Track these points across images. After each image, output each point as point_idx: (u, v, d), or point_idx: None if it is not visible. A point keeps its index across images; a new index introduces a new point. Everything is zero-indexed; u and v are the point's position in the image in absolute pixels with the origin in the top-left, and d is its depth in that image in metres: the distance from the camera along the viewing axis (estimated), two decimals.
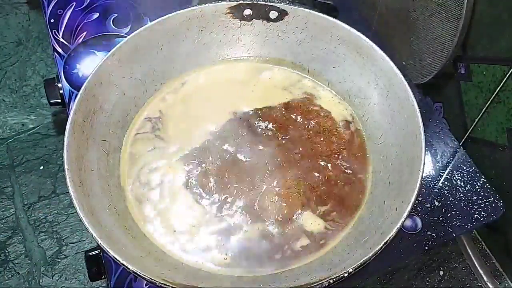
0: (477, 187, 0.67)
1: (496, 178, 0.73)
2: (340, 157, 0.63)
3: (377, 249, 0.47)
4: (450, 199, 0.66)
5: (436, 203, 0.66)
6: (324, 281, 0.47)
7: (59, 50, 0.77)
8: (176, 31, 0.67)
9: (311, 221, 0.58)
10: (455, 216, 0.65)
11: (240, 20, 0.69)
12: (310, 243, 0.57)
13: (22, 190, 0.83)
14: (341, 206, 0.59)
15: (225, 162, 0.62)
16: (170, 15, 0.65)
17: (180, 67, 0.70)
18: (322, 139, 0.65)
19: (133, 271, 0.46)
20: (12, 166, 0.86)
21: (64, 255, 0.78)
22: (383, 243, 0.47)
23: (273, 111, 0.67)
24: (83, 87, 0.59)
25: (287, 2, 0.74)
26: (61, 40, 0.78)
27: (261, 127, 0.66)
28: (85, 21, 0.80)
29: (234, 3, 0.67)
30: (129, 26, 0.79)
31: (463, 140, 0.81)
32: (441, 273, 0.75)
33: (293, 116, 0.67)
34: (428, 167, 0.69)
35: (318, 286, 0.47)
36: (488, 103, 0.73)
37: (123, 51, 0.63)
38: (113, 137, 0.63)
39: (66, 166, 0.53)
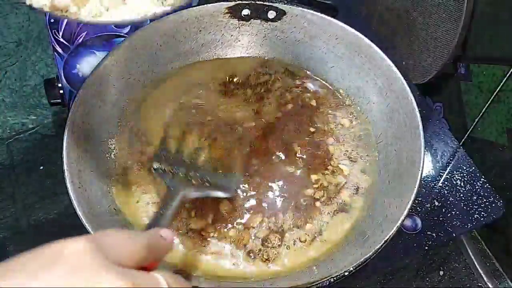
0: (477, 187, 0.67)
1: (496, 178, 0.73)
2: (338, 156, 0.63)
3: (377, 247, 0.47)
4: (450, 199, 0.66)
5: (436, 203, 0.66)
6: (324, 280, 0.47)
7: (59, 50, 0.77)
8: (175, 31, 0.67)
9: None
10: (455, 216, 0.65)
11: (239, 20, 0.69)
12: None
13: (22, 190, 0.83)
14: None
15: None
16: (169, 15, 0.65)
17: (179, 68, 0.70)
18: (319, 138, 0.65)
19: None
20: (12, 166, 0.86)
21: None
22: (383, 241, 0.47)
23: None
24: (82, 88, 0.59)
25: (285, 2, 0.74)
26: (61, 40, 0.78)
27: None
28: None
29: (233, 3, 0.67)
30: (129, 26, 0.79)
31: (463, 140, 0.81)
32: (441, 273, 0.75)
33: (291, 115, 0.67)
34: (428, 167, 0.69)
35: (318, 285, 0.47)
36: (488, 103, 0.73)
37: (122, 52, 0.63)
38: (113, 137, 0.63)
39: (65, 167, 0.53)
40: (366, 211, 0.58)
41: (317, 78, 0.70)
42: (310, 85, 0.70)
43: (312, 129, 0.65)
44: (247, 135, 0.64)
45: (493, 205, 0.65)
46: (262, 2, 0.67)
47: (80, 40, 0.78)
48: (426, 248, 0.62)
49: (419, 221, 0.64)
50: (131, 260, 0.28)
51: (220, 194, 0.53)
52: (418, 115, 0.56)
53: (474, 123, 0.77)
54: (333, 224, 0.58)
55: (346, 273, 0.47)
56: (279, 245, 0.55)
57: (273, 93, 0.69)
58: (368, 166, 0.62)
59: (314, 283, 0.47)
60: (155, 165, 0.53)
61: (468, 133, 0.79)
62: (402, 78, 0.59)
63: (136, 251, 0.29)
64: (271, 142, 0.64)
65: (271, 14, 0.68)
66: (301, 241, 0.56)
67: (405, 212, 0.49)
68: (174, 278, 0.30)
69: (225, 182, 0.55)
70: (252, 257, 0.54)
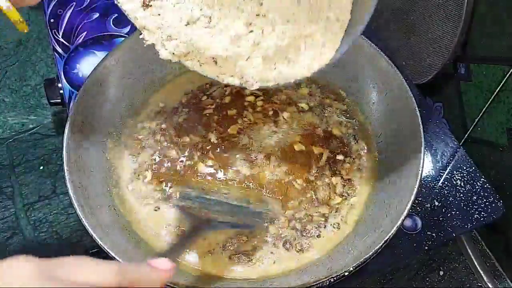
0: (477, 187, 0.67)
1: (496, 178, 0.73)
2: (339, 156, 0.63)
3: (377, 247, 0.47)
4: (450, 199, 0.66)
5: (436, 203, 0.66)
6: (325, 279, 0.47)
7: (59, 50, 0.77)
8: None
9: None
10: (455, 216, 0.64)
11: None
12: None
13: (22, 190, 0.83)
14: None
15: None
16: None
17: (179, 67, 0.70)
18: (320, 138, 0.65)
19: None
20: (12, 166, 0.86)
21: (64, 255, 0.78)
22: (383, 241, 0.47)
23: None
24: (82, 88, 0.59)
25: None
26: (61, 40, 0.78)
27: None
28: (85, 21, 0.80)
29: None
30: (129, 26, 0.79)
31: (463, 140, 0.81)
32: (441, 273, 0.75)
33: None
34: (428, 167, 0.69)
35: (318, 285, 0.47)
36: (488, 103, 0.72)
37: (122, 52, 0.63)
38: (112, 137, 0.63)
39: (65, 167, 0.53)
40: (365, 211, 0.58)
41: (317, 78, 0.70)
42: (310, 85, 0.70)
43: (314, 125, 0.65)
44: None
45: (493, 205, 0.65)
46: None
47: (80, 40, 0.78)
48: (426, 248, 0.62)
49: (419, 221, 0.64)
50: (91, 281, 0.28)
51: (242, 228, 0.55)
52: (418, 114, 0.56)
53: (474, 123, 0.77)
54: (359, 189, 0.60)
55: (346, 273, 0.47)
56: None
57: (273, 96, 0.69)
58: (368, 166, 0.62)
59: (314, 283, 0.47)
60: (179, 202, 0.54)
61: (468, 133, 0.79)
62: (402, 78, 0.59)
63: (99, 275, 0.28)
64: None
65: None
66: (334, 228, 0.57)
67: (405, 212, 0.49)
68: None
69: (249, 216, 0.55)
70: (288, 247, 0.56)
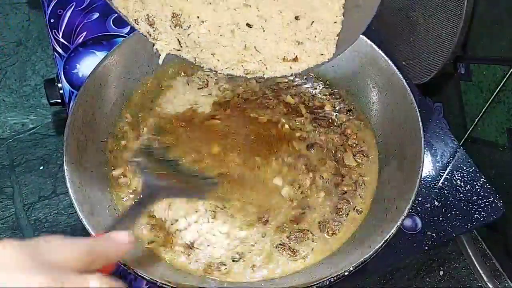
0: (477, 187, 0.67)
1: (496, 178, 0.73)
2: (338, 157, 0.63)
3: (377, 247, 0.47)
4: (450, 199, 0.66)
5: (436, 203, 0.66)
6: (324, 280, 0.47)
7: (59, 50, 0.77)
8: None
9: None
10: (455, 216, 0.65)
11: None
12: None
13: (22, 190, 0.83)
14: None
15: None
16: None
17: (179, 69, 0.70)
18: (322, 138, 0.65)
19: (133, 271, 0.46)
20: (12, 166, 0.86)
21: None
22: (383, 241, 0.47)
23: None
24: (82, 88, 0.59)
25: None
26: (61, 40, 0.78)
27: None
28: (85, 21, 0.80)
29: None
30: (129, 26, 0.79)
31: (463, 140, 0.81)
32: (441, 273, 0.75)
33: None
34: (428, 167, 0.69)
35: (318, 285, 0.47)
36: (488, 103, 0.73)
37: (122, 52, 0.63)
38: (112, 137, 0.63)
39: (65, 167, 0.53)
40: (365, 211, 0.58)
41: (318, 79, 0.70)
42: (311, 86, 0.70)
43: (312, 126, 0.65)
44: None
45: (493, 205, 0.65)
46: None
47: (80, 40, 0.78)
48: (426, 248, 0.62)
49: (419, 221, 0.64)
50: (68, 263, 0.29)
51: (196, 196, 0.54)
52: (418, 114, 0.56)
53: (474, 123, 0.77)
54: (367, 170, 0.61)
55: (346, 273, 0.47)
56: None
57: (274, 95, 0.69)
58: (368, 165, 0.62)
59: (315, 283, 0.47)
60: (136, 158, 0.53)
61: (468, 133, 0.79)
62: (402, 78, 0.59)
63: (74, 256, 0.30)
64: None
65: None
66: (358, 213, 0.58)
67: (405, 212, 0.49)
68: (107, 279, 0.31)
69: (204, 183, 0.55)
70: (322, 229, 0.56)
